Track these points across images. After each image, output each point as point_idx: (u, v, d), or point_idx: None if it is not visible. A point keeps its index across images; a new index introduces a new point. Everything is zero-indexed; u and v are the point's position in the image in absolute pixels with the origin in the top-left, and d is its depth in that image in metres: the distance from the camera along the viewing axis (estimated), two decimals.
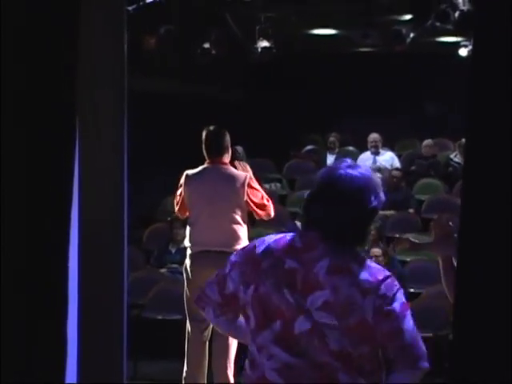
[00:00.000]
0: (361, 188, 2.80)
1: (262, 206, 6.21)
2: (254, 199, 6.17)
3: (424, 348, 2.77)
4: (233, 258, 2.94)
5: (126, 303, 4.79)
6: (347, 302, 2.72)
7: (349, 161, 2.90)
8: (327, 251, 2.77)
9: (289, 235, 2.87)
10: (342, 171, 2.82)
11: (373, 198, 2.81)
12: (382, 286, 2.74)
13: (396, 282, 2.80)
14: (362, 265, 2.77)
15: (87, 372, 4.33)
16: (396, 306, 2.74)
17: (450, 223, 3.17)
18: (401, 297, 2.76)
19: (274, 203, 6.45)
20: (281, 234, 2.91)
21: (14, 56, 3.12)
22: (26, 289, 3.14)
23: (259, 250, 2.85)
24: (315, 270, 2.74)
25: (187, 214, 6.35)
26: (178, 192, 6.30)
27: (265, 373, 2.77)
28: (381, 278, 2.75)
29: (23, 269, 3.14)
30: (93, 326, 4.49)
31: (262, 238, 2.91)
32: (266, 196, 6.26)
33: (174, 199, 6.44)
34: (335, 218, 2.79)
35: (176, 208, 6.39)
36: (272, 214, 6.28)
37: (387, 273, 2.80)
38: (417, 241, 3.31)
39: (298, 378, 2.74)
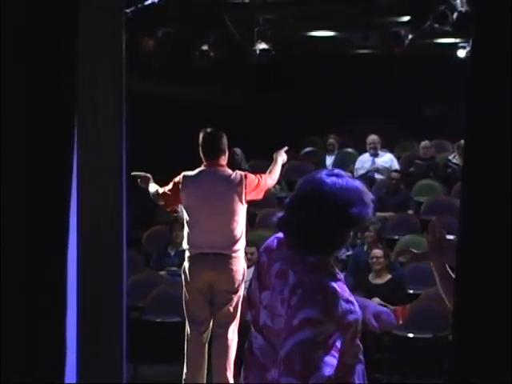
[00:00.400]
0: (326, 196, 2.80)
1: (263, 191, 6.33)
2: (259, 196, 6.30)
3: (305, 368, 2.66)
4: None
5: (125, 305, 4.78)
6: (275, 307, 2.80)
7: (336, 171, 2.91)
8: (283, 255, 2.85)
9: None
10: (316, 178, 2.85)
11: (334, 208, 2.78)
12: (294, 298, 2.74)
13: (318, 297, 2.74)
14: (297, 274, 2.79)
15: (87, 374, 4.32)
16: (295, 320, 2.71)
17: (442, 233, 3.15)
18: (308, 312, 2.71)
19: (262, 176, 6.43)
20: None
21: (14, 56, 3.12)
22: (26, 289, 3.14)
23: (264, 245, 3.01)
24: (270, 271, 2.86)
25: (170, 208, 6.57)
26: (170, 186, 6.27)
27: (254, 351, 2.92)
28: (297, 289, 2.76)
29: (23, 269, 3.14)
30: (92, 328, 4.47)
31: None
32: (260, 180, 6.29)
33: (163, 190, 6.34)
34: (302, 222, 2.82)
35: (159, 198, 6.32)
36: (275, 179, 6.59)
37: (312, 285, 2.77)
38: (418, 252, 3.29)
39: (271, 364, 2.82)
